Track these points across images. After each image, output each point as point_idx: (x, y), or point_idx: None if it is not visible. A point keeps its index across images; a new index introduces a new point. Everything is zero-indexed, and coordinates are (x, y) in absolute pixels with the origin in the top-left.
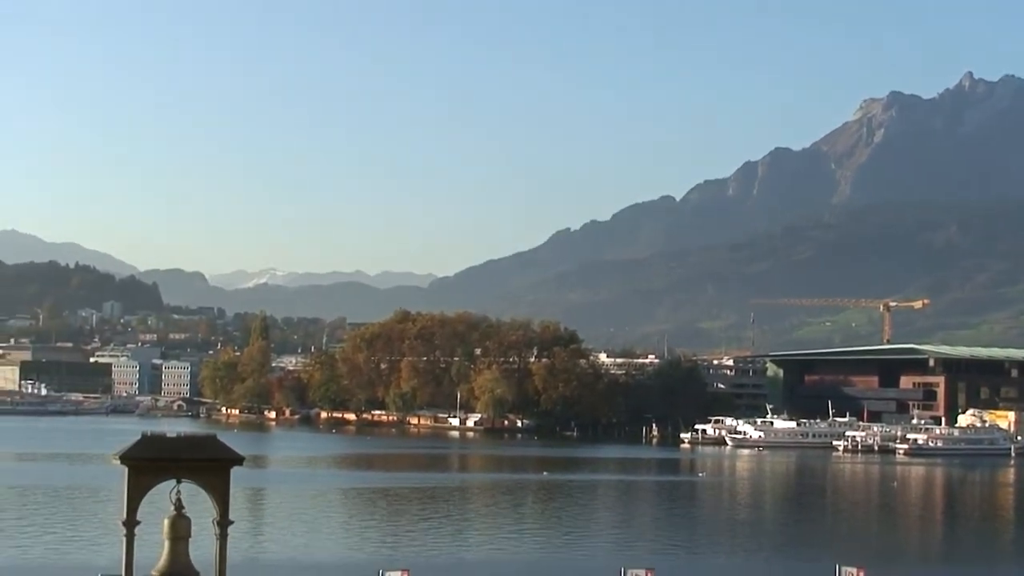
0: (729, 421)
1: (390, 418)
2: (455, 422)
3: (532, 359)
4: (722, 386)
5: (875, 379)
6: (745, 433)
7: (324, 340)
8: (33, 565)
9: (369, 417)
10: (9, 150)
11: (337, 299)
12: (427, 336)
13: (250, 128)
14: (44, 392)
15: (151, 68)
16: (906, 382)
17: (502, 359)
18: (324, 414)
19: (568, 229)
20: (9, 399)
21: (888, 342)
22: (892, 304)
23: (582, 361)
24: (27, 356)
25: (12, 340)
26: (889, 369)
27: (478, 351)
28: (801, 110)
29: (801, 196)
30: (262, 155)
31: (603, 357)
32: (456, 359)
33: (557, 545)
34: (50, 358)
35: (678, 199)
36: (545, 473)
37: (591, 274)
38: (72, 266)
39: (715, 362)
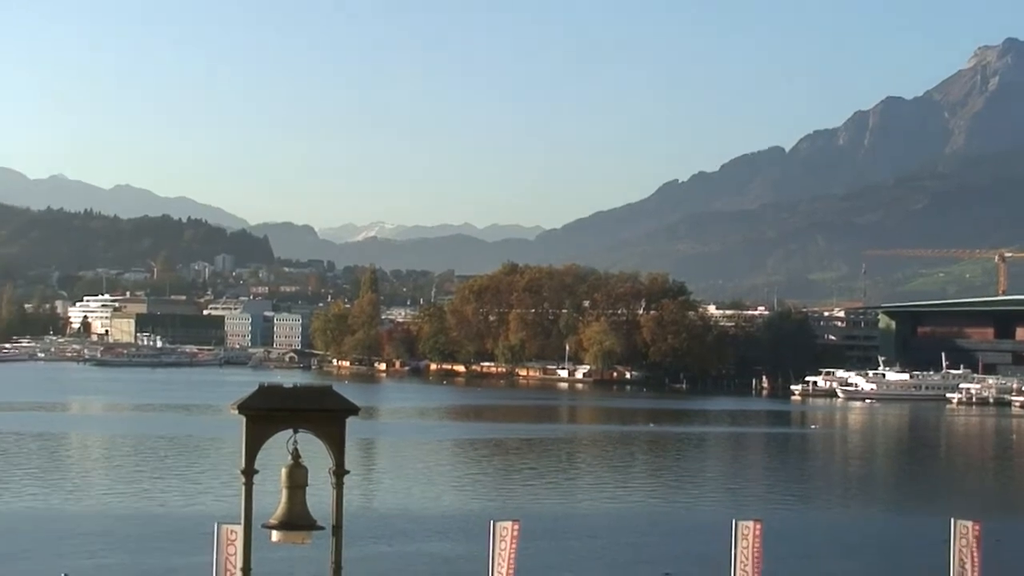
0: (840, 373)
1: (499, 370)
2: (563, 374)
3: (640, 311)
4: (833, 338)
5: (990, 331)
6: (857, 385)
7: (433, 292)
8: (153, 513)
9: (478, 369)
10: (122, 108)
11: (445, 251)
12: (535, 288)
13: (360, 83)
14: (159, 344)
15: (260, 25)
16: (1022, 334)
17: (610, 311)
18: (433, 366)
19: (676, 180)
20: (126, 351)
21: (1003, 293)
22: (1007, 254)
23: (691, 313)
24: (143, 309)
25: (128, 293)
26: (1005, 321)
27: (586, 303)
28: (913, 58)
29: (914, 146)
30: (371, 109)
31: (712, 309)
32: (564, 311)
33: (667, 496)
34: (165, 311)
35: (787, 150)
36: (651, 425)
37: (699, 225)
38: (185, 220)
39: (826, 313)
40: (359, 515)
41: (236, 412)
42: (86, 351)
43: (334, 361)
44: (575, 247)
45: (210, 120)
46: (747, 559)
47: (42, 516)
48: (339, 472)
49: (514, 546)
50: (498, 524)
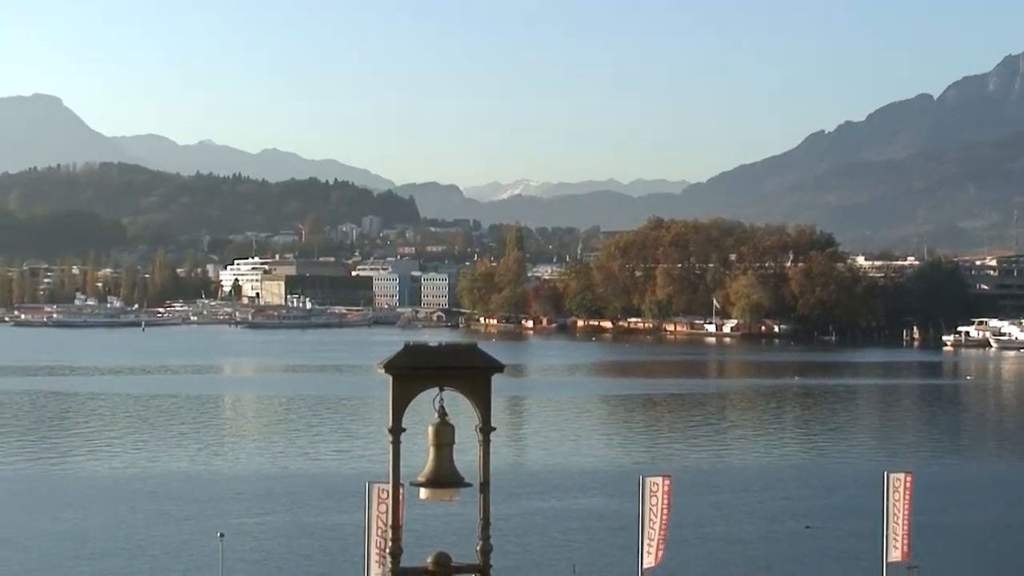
0: (993, 323)
1: (646, 325)
2: (711, 328)
3: (788, 264)
4: (985, 287)
5: None
6: (1011, 335)
7: (579, 249)
8: (306, 472)
9: (625, 325)
10: (268, 73)
11: (591, 208)
12: (681, 243)
13: (501, 41)
14: (309, 306)
15: None
16: None
17: (757, 264)
18: (580, 322)
19: (823, 131)
20: (276, 313)
21: None
22: None
23: (839, 265)
24: (292, 271)
25: (277, 256)
26: None
27: (733, 257)
28: None
29: None
30: (514, 66)
31: (861, 260)
32: (711, 265)
33: (818, 450)
34: (314, 273)
35: (936, 97)
36: (796, 378)
37: (847, 176)
38: (331, 182)
39: (978, 262)
40: (508, 472)
41: (382, 372)
42: (237, 313)
43: (481, 319)
44: (721, 200)
45: (355, 83)
46: (898, 511)
47: (200, 477)
48: (485, 429)
49: (666, 501)
50: (648, 479)
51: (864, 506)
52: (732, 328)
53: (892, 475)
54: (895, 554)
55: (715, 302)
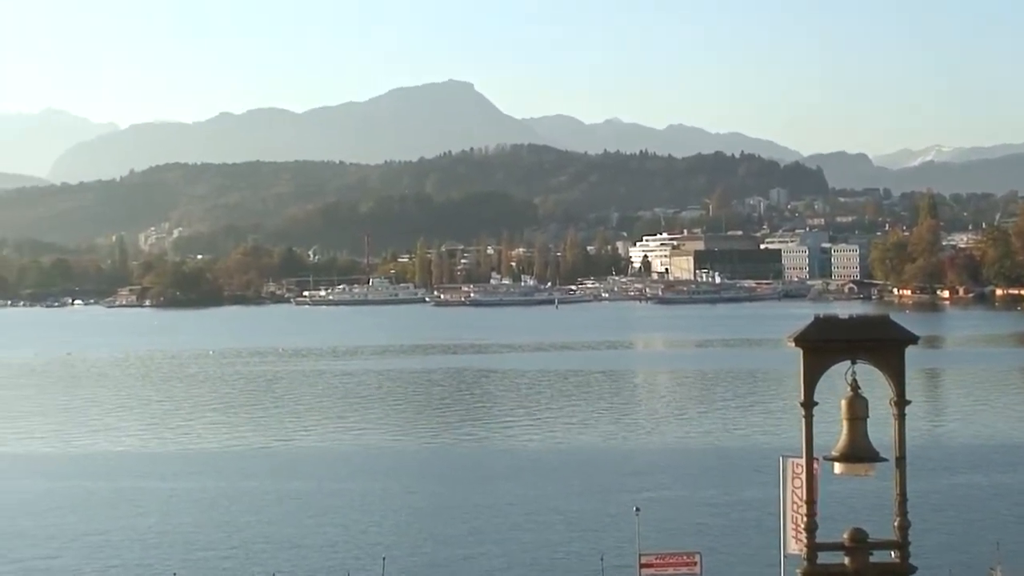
0: None
1: None
2: None
3: None
4: None
5: None
6: None
7: (997, 215)
8: (720, 446)
9: None
10: (655, 47)
11: (1007, 172)
12: None
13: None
14: (718, 280)
15: None
16: None
17: None
18: (1000, 291)
19: None
20: (686, 288)
21: None
22: None
23: None
24: (700, 246)
25: (685, 231)
26: None
27: None
28: None
29: None
30: (923, 30)
31: None
32: None
33: None
34: (722, 247)
35: None
36: None
37: None
38: (737, 156)
39: None
40: (925, 446)
41: (793, 345)
42: (647, 289)
43: (894, 290)
44: None
45: (756, 56)
46: None
47: (616, 451)
48: (900, 402)
49: None
50: None
51: None
52: None
53: None
54: None
55: None
